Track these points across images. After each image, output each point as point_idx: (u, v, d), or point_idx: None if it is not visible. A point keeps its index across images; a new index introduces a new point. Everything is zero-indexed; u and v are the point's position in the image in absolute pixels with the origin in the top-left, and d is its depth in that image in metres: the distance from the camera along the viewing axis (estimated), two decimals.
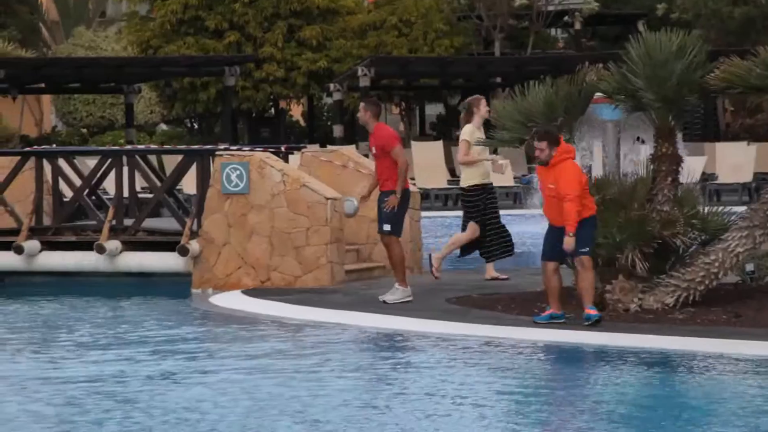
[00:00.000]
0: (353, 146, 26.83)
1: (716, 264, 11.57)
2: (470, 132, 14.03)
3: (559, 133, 11.46)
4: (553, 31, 44.35)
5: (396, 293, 12.74)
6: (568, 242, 11.05)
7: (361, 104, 13.12)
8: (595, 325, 10.97)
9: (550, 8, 38.08)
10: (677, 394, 8.89)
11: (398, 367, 10.01)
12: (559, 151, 11.21)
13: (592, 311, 11.07)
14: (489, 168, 14.25)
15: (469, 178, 14.09)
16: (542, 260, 11.32)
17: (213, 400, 8.71)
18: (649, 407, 8.51)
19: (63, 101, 43.21)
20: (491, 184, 14.27)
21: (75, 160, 17.81)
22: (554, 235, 11.21)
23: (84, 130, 41.90)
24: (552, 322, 11.16)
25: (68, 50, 42.59)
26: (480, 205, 13.90)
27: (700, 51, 11.92)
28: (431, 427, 7.83)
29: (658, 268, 11.79)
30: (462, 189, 14.30)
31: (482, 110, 14.06)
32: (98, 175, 16.52)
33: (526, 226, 20.43)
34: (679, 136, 12.58)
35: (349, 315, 12.30)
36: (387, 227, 12.75)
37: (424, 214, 16.68)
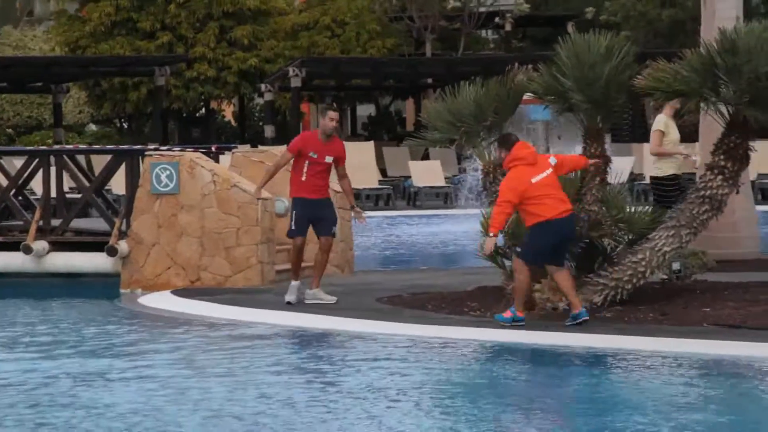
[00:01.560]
0: (285, 147, 26.76)
1: (643, 263, 11.69)
2: (664, 122, 13.65)
3: (515, 139, 11.36)
4: (484, 33, 44.60)
5: (318, 293, 12.74)
6: (487, 243, 11.11)
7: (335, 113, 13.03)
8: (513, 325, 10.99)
9: (482, 10, 38.29)
10: (604, 391, 8.97)
11: (327, 365, 9.99)
12: (508, 159, 11.23)
13: (507, 314, 11.06)
14: (680, 161, 13.88)
15: (665, 167, 13.68)
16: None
17: (139, 400, 8.64)
18: (576, 404, 8.58)
19: None
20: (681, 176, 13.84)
21: (1, 160, 17.59)
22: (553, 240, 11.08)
23: (10, 131, 41.39)
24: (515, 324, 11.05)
25: None
26: (673, 195, 13.36)
27: (628, 52, 12.03)
28: (361, 425, 7.83)
29: (586, 267, 11.89)
30: (656, 178, 13.80)
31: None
32: (25, 175, 16.33)
33: (456, 226, 20.54)
34: (608, 137, 12.69)
35: (279, 315, 12.27)
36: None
37: (367, 213, 16.66)
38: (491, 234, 11.04)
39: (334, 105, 13.14)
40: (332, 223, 12.84)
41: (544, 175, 11.16)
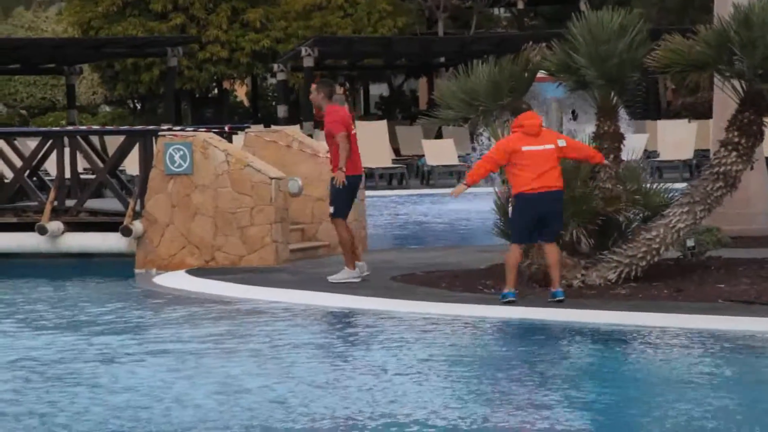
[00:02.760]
0: (297, 126, 26.76)
1: (657, 240, 11.69)
2: None
3: (525, 108, 11.34)
4: (496, 11, 44.47)
5: (341, 273, 12.75)
6: (457, 188, 11.41)
7: (313, 85, 13.02)
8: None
9: None
10: (620, 368, 8.98)
11: (343, 343, 10.03)
12: (513, 125, 11.33)
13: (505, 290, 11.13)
14: None
15: None
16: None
17: (155, 378, 8.68)
18: (593, 381, 8.59)
19: (3, 82, 42.72)
20: None
21: (16, 141, 17.63)
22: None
23: (24, 112, 41.48)
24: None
25: (8, 31, 42.11)
26: None
27: (641, 29, 12.01)
28: (382, 401, 7.86)
29: (601, 245, 11.89)
30: None
31: None
32: (39, 155, 16.37)
33: (470, 204, 20.53)
34: (623, 114, 12.68)
35: (294, 294, 12.30)
36: (330, 209, 12.75)
37: (368, 193, 16.70)
38: (465, 183, 11.23)
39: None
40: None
41: (541, 148, 11.12)
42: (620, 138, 12.28)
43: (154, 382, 8.58)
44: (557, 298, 11.04)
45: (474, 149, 23.38)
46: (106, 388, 8.44)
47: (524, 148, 11.08)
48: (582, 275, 11.66)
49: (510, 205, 11.80)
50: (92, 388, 8.46)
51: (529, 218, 11.08)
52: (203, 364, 9.24)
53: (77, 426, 7.47)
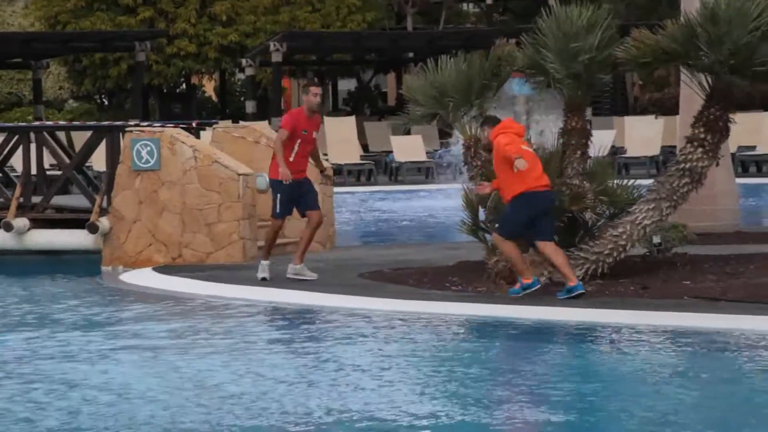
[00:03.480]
0: (266, 122, 26.70)
1: (624, 236, 11.72)
2: None
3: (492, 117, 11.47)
4: (465, 6, 44.49)
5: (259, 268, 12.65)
6: (483, 188, 11.47)
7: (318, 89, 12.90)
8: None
9: None
10: (586, 366, 9.01)
11: (310, 341, 10.01)
12: (498, 128, 11.26)
13: (516, 285, 11.14)
14: None
15: None
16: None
17: (120, 376, 8.64)
18: (557, 379, 8.61)
19: None
20: None
21: None
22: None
23: None
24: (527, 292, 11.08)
25: None
26: None
27: (610, 26, 12.03)
28: (342, 399, 7.84)
29: (567, 242, 11.91)
30: None
31: None
32: (5, 152, 16.26)
33: (438, 201, 20.55)
34: (588, 110, 12.72)
35: (260, 291, 12.26)
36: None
37: (336, 189, 16.67)
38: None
39: (316, 80, 13.00)
40: (316, 195, 12.79)
41: (529, 149, 11.22)
42: (588, 134, 12.31)
43: (118, 379, 8.53)
44: (578, 292, 10.91)
45: (448, 144, 23.40)
46: (69, 385, 8.39)
47: (524, 148, 11.11)
48: (549, 272, 11.67)
49: (487, 203, 11.83)
50: (57, 384, 8.41)
51: (529, 215, 11.06)
52: (166, 361, 9.20)
53: (41, 422, 7.42)
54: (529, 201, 11.05)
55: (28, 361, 9.32)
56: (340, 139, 28.52)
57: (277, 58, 32.20)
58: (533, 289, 11.05)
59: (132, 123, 17.54)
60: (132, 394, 8.14)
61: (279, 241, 15.33)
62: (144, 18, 36.17)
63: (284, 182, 12.23)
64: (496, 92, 12.59)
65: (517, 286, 11.15)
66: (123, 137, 14.95)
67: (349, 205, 22.83)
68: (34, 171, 15.99)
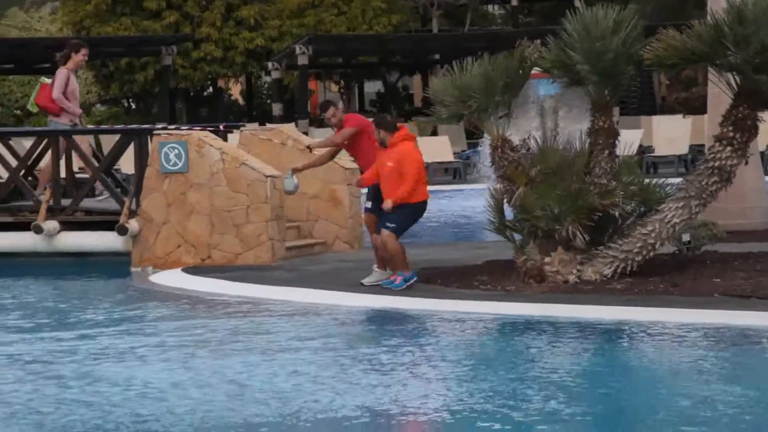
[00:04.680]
0: (292, 124, 26.76)
1: (653, 235, 11.70)
2: None
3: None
4: (490, 8, 44.48)
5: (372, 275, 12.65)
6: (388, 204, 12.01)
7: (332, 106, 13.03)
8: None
9: None
10: (617, 364, 9.00)
11: (340, 340, 10.04)
12: (402, 134, 12.05)
13: (397, 280, 11.86)
14: None
15: None
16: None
17: (153, 376, 8.69)
18: (589, 376, 8.61)
19: None
20: None
21: (11, 141, 17.62)
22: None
23: (18, 112, 41.44)
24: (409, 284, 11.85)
25: (1, 31, 42.05)
26: None
27: (636, 26, 12.02)
28: (385, 399, 7.87)
29: (596, 240, 11.91)
30: None
31: None
32: (34, 155, 16.37)
33: (466, 201, 20.54)
34: (616, 110, 12.71)
35: (290, 291, 12.31)
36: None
37: (364, 190, 16.67)
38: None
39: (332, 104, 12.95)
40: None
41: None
42: (615, 134, 12.29)
43: (150, 379, 8.58)
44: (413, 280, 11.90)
45: (477, 145, 23.40)
46: (103, 385, 8.45)
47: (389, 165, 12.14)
48: (578, 270, 11.68)
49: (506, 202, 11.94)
50: (90, 384, 8.47)
51: (415, 220, 12.17)
52: (199, 361, 9.24)
53: (73, 422, 7.48)
54: (419, 210, 12.11)
55: (61, 361, 9.38)
56: None
57: (303, 61, 32.29)
58: (412, 281, 11.89)
59: (159, 126, 17.60)
60: (163, 395, 8.19)
61: (306, 242, 15.43)
62: (169, 23, 36.31)
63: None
64: (519, 91, 12.59)
65: (398, 280, 11.84)
66: (151, 140, 15.02)
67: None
68: (63, 174, 16.07)
